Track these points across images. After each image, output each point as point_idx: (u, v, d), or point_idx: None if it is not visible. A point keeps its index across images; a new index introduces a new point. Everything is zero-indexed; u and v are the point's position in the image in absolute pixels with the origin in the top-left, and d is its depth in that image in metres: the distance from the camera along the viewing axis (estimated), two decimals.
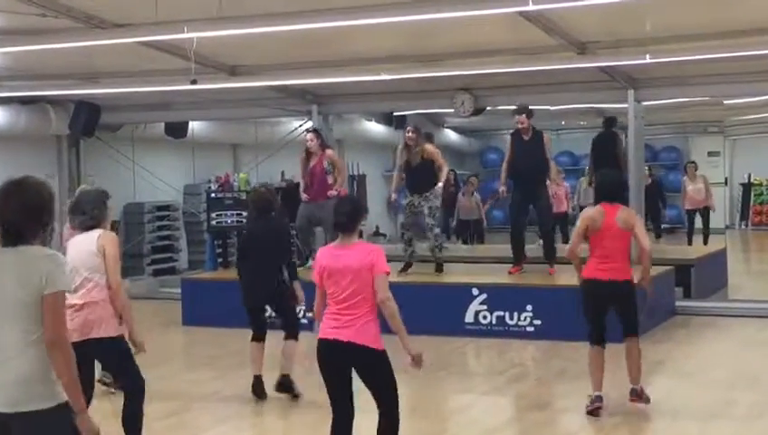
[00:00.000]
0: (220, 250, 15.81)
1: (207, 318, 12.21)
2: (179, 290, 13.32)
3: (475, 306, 11.40)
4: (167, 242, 17.30)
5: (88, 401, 6.16)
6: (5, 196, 4.01)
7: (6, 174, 4.25)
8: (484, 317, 11.36)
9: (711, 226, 18.03)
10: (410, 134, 11.94)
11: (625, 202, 9.16)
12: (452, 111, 14.61)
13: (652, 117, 16.48)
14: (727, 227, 22.17)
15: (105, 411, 7.09)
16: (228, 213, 14.75)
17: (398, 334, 5.62)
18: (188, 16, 9.32)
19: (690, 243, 17.56)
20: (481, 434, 7.72)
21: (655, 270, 11.06)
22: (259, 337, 8.56)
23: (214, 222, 14.98)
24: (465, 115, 14.30)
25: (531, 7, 8.78)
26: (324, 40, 10.92)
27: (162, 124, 16.27)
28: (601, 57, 11.58)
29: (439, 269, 12.29)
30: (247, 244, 8.78)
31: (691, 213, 17.95)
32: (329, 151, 12.44)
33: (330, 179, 12.22)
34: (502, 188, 12.15)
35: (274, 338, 8.61)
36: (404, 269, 12.12)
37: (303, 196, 12.43)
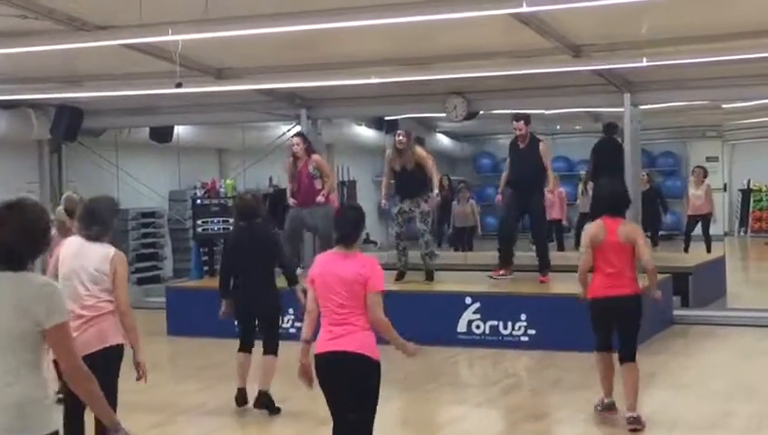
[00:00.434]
0: (206, 258, 15.72)
1: (193, 328, 12.09)
2: (164, 299, 13.25)
3: (468, 315, 11.29)
4: (151, 250, 17.23)
5: (82, 414, 6.03)
6: (1, 218, 3.92)
7: None
8: (478, 326, 11.25)
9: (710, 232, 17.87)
10: (401, 138, 11.85)
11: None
12: (444, 115, 14.57)
13: (649, 121, 16.43)
14: (726, 234, 22.10)
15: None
16: (214, 220, 14.83)
17: (393, 343, 5.65)
18: (173, 18, 9.24)
19: (686, 250, 17.39)
20: None
21: None
22: (247, 348, 8.49)
23: (200, 229, 14.97)
24: (458, 119, 14.26)
25: (525, 9, 8.69)
26: (313, 42, 10.87)
27: (146, 129, 16.23)
28: (597, 60, 11.53)
29: (429, 277, 12.17)
30: (233, 254, 8.56)
31: (692, 220, 17.62)
32: (315, 156, 12.42)
33: (317, 184, 12.19)
34: (498, 197, 12.24)
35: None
36: (398, 278, 12.07)
37: (291, 201, 12.39)
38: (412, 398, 8.93)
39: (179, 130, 16.63)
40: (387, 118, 18.24)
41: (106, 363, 5.87)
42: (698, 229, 17.52)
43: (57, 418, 3.97)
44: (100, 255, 6.11)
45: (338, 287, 5.54)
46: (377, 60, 11.93)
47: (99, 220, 6.23)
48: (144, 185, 16.66)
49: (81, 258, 6.12)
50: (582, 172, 16.26)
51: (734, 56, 10.75)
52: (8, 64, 11.99)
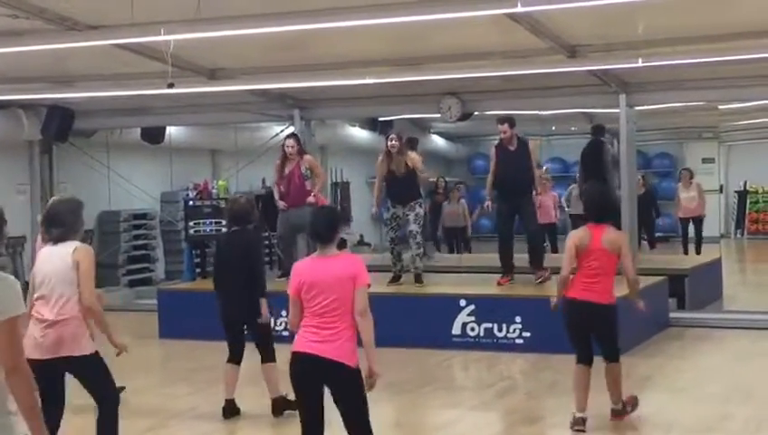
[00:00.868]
0: (198, 260, 15.68)
1: (185, 330, 12.00)
2: (156, 301, 13.17)
3: (462, 318, 11.21)
4: (143, 251, 17.13)
5: (59, 419, 5.98)
6: None
7: None
8: (472, 329, 11.17)
9: (705, 234, 17.94)
10: (393, 142, 11.74)
11: (615, 218, 9.20)
12: (439, 115, 14.55)
13: (645, 122, 16.44)
14: (722, 236, 22.10)
15: (78, 426, 6.89)
16: (207, 221, 14.74)
17: (366, 348, 5.56)
18: (165, 18, 9.19)
19: (686, 252, 17.46)
20: None
21: (648, 280, 10.95)
22: (235, 359, 8.36)
23: (192, 231, 14.87)
24: (453, 120, 14.23)
25: (519, 9, 8.65)
26: (306, 42, 10.84)
27: (138, 129, 16.15)
28: (592, 60, 11.51)
29: (418, 280, 12.01)
30: (220, 257, 8.61)
31: (684, 222, 17.70)
32: (307, 156, 12.41)
33: (309, 185, 12.16)
34: (487, 203, 12.17)
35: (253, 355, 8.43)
36: (393, 281, 12.00)
37: (281, 204, 12.29)
38: (406, 401, 8.89)
39: (171, 131, 16.56)
40: (381, 119, 18.25)
41: (86, 370, 5.94)
42: (693, 232, 17.55)
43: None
44: (63, 253, 6.07)
45: (327, 290, 5.51)
46: (370, 60, 11.90)
47: (58, 222, 6.18)
48: (136, 186, 16.58)
49: (48, 263, 6.10)
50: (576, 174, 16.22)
51: (731, 57, 10.75)
52: None
